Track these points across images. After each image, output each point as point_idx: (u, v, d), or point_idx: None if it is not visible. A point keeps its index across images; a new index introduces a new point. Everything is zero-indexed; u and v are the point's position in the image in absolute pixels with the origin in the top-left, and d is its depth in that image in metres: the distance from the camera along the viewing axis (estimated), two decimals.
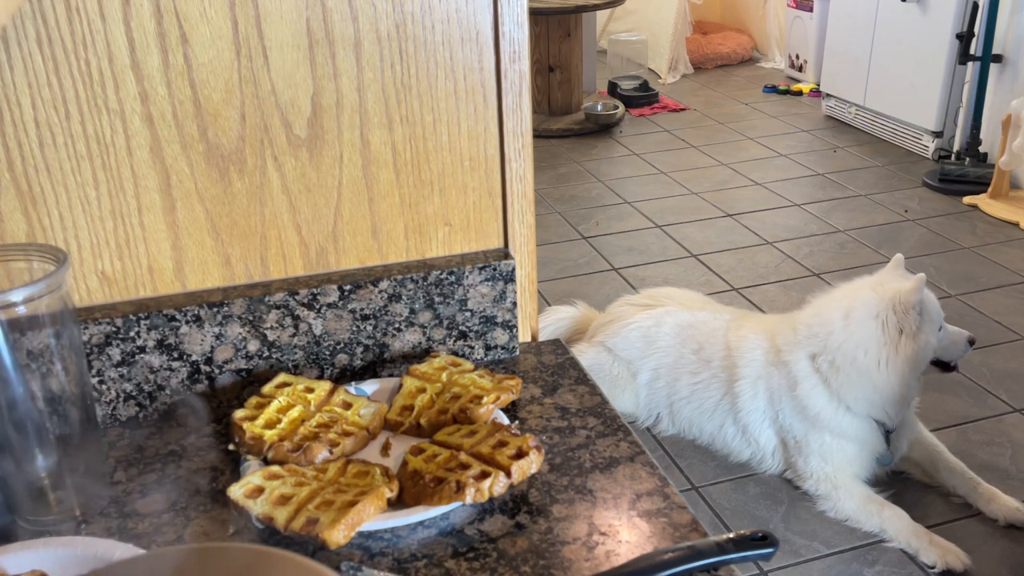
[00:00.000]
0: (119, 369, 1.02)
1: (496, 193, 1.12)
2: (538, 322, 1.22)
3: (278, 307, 1.05)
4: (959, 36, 4.32)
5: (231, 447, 0.99)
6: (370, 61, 1.02)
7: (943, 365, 2.41)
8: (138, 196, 1.00)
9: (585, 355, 2.71)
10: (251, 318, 1.05)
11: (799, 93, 5.94)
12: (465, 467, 0.90)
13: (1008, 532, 2.28)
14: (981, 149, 4.39)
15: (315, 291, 1.06)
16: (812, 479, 2.38)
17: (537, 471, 0.93)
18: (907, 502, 2.35)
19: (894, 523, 2.26)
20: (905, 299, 2.22)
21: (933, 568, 2.16)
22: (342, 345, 1.10)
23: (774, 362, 2.43)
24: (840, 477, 2.35)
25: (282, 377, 1.05)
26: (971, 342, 2.38)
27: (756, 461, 2.52)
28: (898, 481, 2.46)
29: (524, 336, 1.20)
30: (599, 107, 5.45)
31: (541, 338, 1.21)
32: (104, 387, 1.02)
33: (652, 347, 2.65)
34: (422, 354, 1.13)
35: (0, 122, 0.92)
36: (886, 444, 2.37)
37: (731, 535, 0.84)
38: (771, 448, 2.49)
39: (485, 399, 1.01)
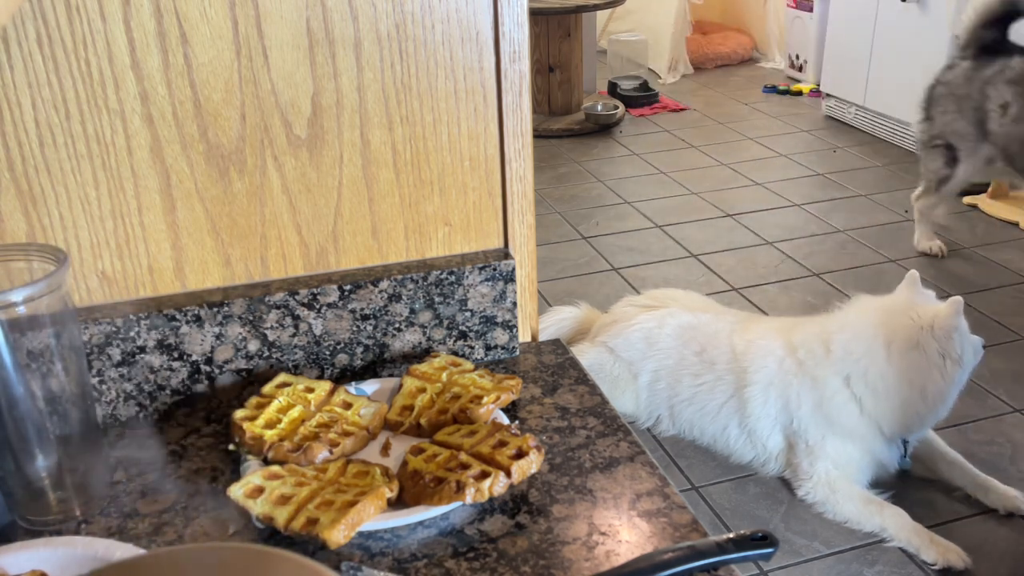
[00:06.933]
0: (119, 369, 1.02)
1: (496, 193, 1.12)
2: (538, 322, 1.22)
3: (278, 307, 1.05)
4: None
5: (231, 447, 0.99)
6: (370, 61, 1.02)
7: None
8: (138, 196, 1.00)
9: (586, 355, 2.71)
10: (251, 318, 1.05)
11: (799, 93, 5.93)
12: (465, 467, 0.90)
13: (1008, 532, 2.28)
14: None
15: (315, 291, 1.06)
16: (812, 482, 2.37)
17: (537, 471, 0.93)
18: (908, 501, 2.35)
19: (895, 522, 2.25)
20: (945, 324, 2.17)
21: (934, 566, 2.16)
22: (342, 345, 1.10)
23: (794, 372, 2.38)
24: (840, 481, 2.34)
25: (282, 377, 1.05)
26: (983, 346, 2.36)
27: (759, 463, 2.51)
28: (899, 481, 2.46)
29: (524, 336, 1.20)
30: (599, 107, 5.45)
31: (543, 338, 1.21)
32: (104, 387, 1.02)
33: (653, 348, 2.64)
34: (422, 354, 1.13)
35: (0, 122, 0.93)
36: (904, 452, 2.38)
37: (731, 535, 0.84)
38: (777, 451, 2.47)
39: (485, 399, 1.01)
